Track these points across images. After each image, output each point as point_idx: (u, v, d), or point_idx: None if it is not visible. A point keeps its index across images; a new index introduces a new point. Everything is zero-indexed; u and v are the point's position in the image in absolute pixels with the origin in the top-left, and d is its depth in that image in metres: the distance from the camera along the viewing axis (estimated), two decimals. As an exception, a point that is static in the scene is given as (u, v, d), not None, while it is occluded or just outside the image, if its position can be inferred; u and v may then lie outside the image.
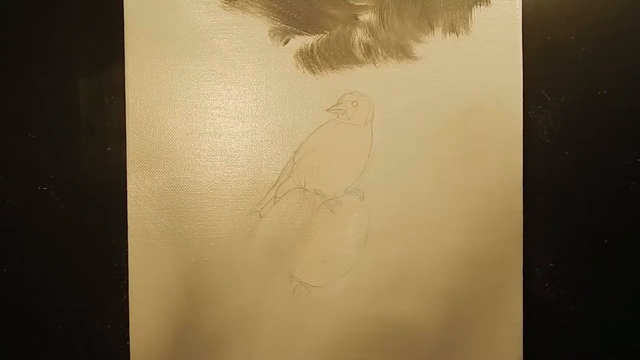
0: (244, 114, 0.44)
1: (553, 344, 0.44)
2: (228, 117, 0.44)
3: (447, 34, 0.43)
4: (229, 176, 0.44)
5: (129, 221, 0.44)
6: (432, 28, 0.43)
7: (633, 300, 0.44)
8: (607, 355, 0.45)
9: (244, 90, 0.44)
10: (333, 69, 0.44)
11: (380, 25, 0.44)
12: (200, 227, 0.44)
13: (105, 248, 0.45)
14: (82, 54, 0.45)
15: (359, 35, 0.44)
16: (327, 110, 0.44)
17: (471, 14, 0.43)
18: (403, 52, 0.44)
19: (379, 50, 0.44)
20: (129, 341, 0.44)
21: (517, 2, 0.43)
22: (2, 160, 0.46)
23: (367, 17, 0.44)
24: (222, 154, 0.44)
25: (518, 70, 0.43)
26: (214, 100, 0.44)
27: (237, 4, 0.44)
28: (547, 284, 0.44)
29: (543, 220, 0.44)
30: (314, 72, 0.44)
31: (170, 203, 0.44)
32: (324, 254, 0.44)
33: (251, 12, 0.44)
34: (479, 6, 0.43)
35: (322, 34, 0.44)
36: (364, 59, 0.44)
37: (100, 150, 0.45)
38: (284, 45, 0.44)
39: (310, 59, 0.44)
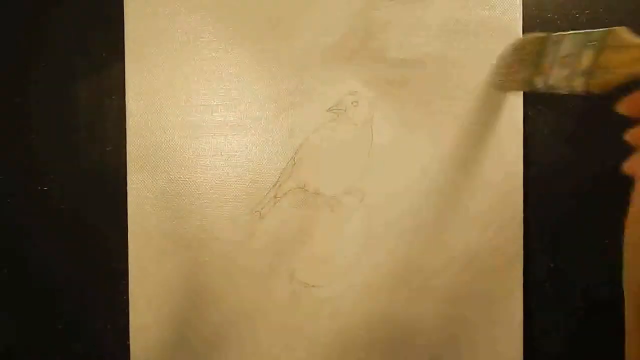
0: (244, 113, 0.44)
1: (553, 344, 0.44)
2: (228, 117, 0.44)
3: (447, 35, 0.43)
4: (229, 176, 0.44)
5: (129, 221, 0.44)
6: (432, 29, 0.43)
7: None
8: (608, 356, 0.45)
9: (244, 90, 0.44)
10: (335, 69, 0.44)
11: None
12: (200, 227, 0.44)
13: (105, 248, 0.45)
14: (82, 54, 0.45)
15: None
16: (327, 110, 0.44)
17: (471, 14, 0.43)
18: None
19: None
20: (129, 341, 0.44)
21: (517, 2, 0.43)
22: (2, 160, 0.46)
23: None
24: (222, 154, 0.44)
25: (518, 70, 0.43)
26: (213, 100, 0.44)
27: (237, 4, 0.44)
28: (547, 284, 0.44)
29: (543, 220, 0.44)
30: (314, 72, 0.44)
31: (170, 203, 0.44)
32: (324, 254, 0.44)
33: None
34: (479, 6, 0.43)
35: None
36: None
37: (100, 150, 0.45)
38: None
39: (311, 59, 0.44)
